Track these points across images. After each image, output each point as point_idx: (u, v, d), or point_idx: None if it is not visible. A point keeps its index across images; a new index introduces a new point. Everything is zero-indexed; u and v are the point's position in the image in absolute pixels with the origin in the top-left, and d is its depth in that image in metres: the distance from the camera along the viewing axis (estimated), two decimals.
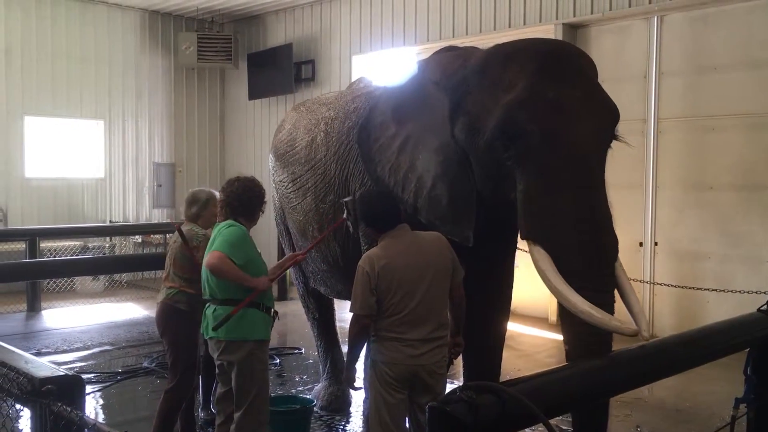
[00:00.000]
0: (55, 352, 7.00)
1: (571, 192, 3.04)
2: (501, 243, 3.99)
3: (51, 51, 11.00)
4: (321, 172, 4.58)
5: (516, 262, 7.73)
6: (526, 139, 3.09)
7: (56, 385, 2.18)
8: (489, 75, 3.34)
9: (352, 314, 3.44)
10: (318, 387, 5.55)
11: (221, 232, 3.71)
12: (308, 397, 5.10)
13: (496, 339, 4.47)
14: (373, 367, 3.47)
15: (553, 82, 3.14)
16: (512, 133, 3.12)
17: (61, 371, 2.34)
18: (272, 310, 3.80)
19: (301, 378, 6.24)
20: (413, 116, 3.75)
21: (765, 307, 3.67)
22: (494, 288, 4.29)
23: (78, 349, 7.16)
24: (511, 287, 4.45)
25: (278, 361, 6.70)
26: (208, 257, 3.62)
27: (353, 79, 9.86)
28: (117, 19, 11.68)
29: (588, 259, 3.00)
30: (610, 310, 2.99)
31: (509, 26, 8.79)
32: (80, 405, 2.25)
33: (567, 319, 3.09)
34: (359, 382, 4.02)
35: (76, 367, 6.43)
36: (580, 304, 2.87)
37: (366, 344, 3.56)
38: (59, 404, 2.12)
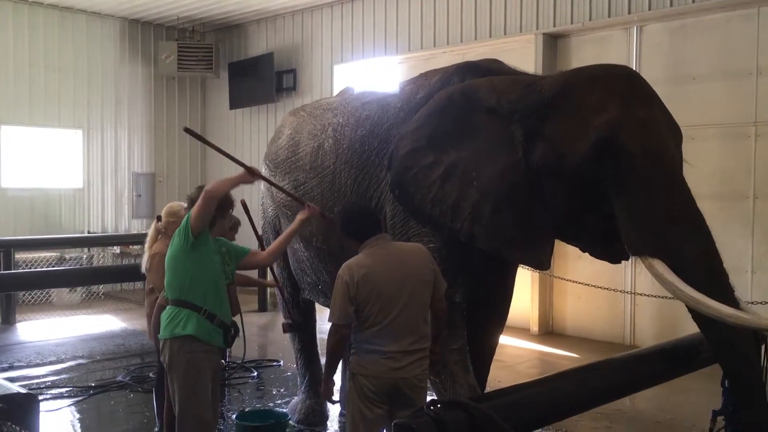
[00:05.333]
0: (28, 366, 6.84)
1: (680, 205, 3.17)
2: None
3: (29, 60, 10.87)
4: (329, 180, 4.45)
5: None
6: (628, 157, 3.18)
7: (7, 404, 2.10)
8: (572, 100, 3.40)
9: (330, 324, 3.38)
10: (295, 400, 5.45)
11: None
12: (284, 411, 5.01)
13: (487, 351, 4.48)
14: (353, 380, 3.40)
15: (639, 104, 3.32)
16: (612, 151, 3.20)
17: (14, 389, 2.26)
18: (218, 318, 3.64)
19: (279, 391, 6.14)
20: (457, 143, 3.66)
21: None
22: (492, 300, 4.31)
23: (51, 363, 7.01)
24: (509, 301, 4.48)
25: (256, 374, 6.59)
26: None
27: (335, 89, 9.84)
28: (96, 28, 11.57)
29: (713, 268, 3.15)
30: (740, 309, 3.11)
31: (490, 36, 8.79)
32: (32, 424, 2.17)
33: (703, 325, 3.18)
34: (337, 395, 3.93)
35: (48, 381, 6.29)
36: (724, 308, 2.95)
37: (345, 356, 3.48)
38: (9, 424, 2.04)
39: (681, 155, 3.40)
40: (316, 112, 4.94)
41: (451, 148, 3.66)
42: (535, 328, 8.49)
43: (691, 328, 4.56)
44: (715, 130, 7.26)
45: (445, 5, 9.28)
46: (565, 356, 7.54)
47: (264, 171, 5.27)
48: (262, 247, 4.70)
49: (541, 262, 3.48)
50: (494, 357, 7.40)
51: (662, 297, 7.14)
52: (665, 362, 3.24)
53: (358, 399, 3.36)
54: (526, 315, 8.51)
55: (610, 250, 3.52)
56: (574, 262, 8.00)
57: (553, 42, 8.39)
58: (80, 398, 5.82)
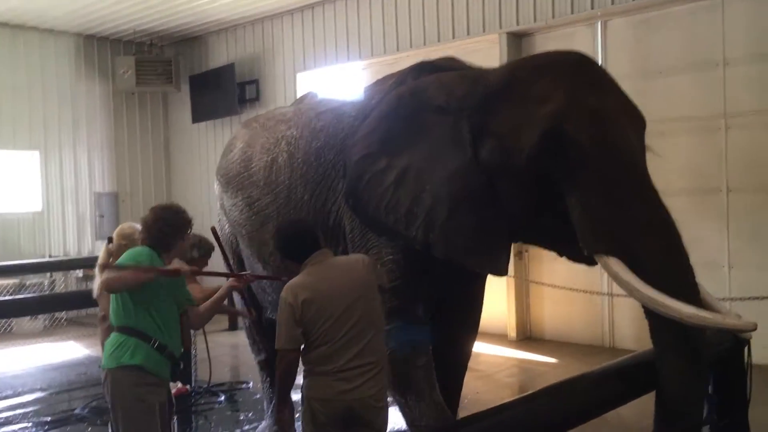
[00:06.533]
0: None
1: (638, 198, 2.92)
2: None
3: None
4: (285, 196, 4.23)
5: None
6: (577, 149, 2.94)
7: None
8: (517, 91, 3.17)
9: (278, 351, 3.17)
10: (263, 425, 5.19)
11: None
12: None
13: (460, 362, 4.31)
14: (306, 404, 3.20)
15: (589, 91, 3.05)
16: (559, 143, 2.95)
17: None
18: (168, 350, 3.38)
19: (246, 416, 5.85)
20: (409, 146, 3.43)
21: None
22: (462, 309, 4.12)
23: (6, 397, 6.63)
24: (480, 308, 4.30)
25: (222, 398, 6.30)
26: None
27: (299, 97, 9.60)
28: (50, 45, 11.20)
29: (674, 264, 2.89)
30: (705, 308, 2.85)
31: (453, 38, 8.61)
32: None
33: (656, 327, 2.92)
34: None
35: (0, 417, 5.94)
36: (685, 308, 2.70)
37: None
38: None
39: (642, 145, 3.15)
40: (269, 124, 4.70)
41: (403, 151, 3.43)
42: (512, 333, 8.30)
43: None
44: (685, 123, 7.13)
45: (406, 8, 9.09)
46: (544, 362, 7.35)
47: (218, 184, 5.05)
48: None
49: (498, 268, 3.26)
50: (472, 366, 7.18)
51: None
52: (644, 374, 3.03)
53: (311, 424, 3.16)
54: (502, 320, 8.32)
55: (574, 251, 3.29)
56: (549, 265, 7.82)
57: (518, 41, 8.23)
58: None
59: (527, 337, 8.36)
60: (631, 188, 2.93)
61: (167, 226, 3.46)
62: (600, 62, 7.57)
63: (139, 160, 12.20)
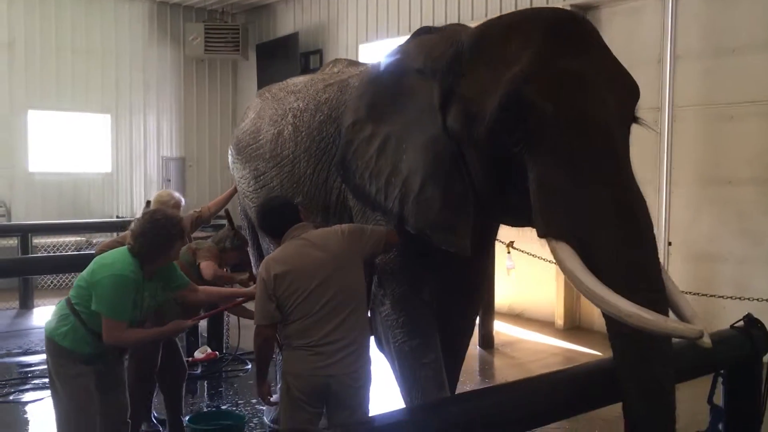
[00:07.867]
0: (24, 354, 6.77)
1: (599, 176, 2.53)
2: (476, 246, 3.50)
3: (56, 43, 10.86)
4: (288, 171, 4.13)
5: (512, 263, 7.14)
6: (538, 117, 2.58)
7: None
8: (486, 51, 2.83)
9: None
10: (275, 397, 5.15)
11: (98, 265, 3.34)
12: (243, 413, 4.71)
13: (459, 344, 4.02)
14: (282, 379, 3.21)
15: (564, 52, 2.65)
16: (520, 110, 2.60)
17: None
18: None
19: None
20: (392, 112, 3.23)
21: (741, 322, 3.10)
22: (464, 292, 3.85)
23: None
24: (483, 291, 4.14)
25: (250, 366, 6.33)
26: (104, 330, 3.21)
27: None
28: (124, 11, 11.50)
29: (632, 255, 2.48)
30: (663, 310, 2.46)
31: (516, 9, 8.21)
32: None
33: (612, 330, 2.58)
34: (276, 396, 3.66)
35: (37, 369, 6.17)
36: (625, 305, 2.33)
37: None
38: None
39: (626, 117, 2.72)
40: (280, 95, 4.59)
41: (387, 117, 3.22)
42: (560, 321, 7.95)
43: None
44: (758, 107, 6.53)
45: None
46: (587, 354, 6.99)
47: (230, 153, 5.03)
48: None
49: (463, 246, 2.96)
50: (509, 353, 6.95)
51: (694, 293, 6.52)
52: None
53: (287, 399, 3.14)
54: (550, 308, 8.00)
55: None
56: None
57: (582, 14, 7.76)
58: None
59: (575, 326, 7.99)
60: (595, 165, 2.54)
61: (149, 243, 3.35)
62: (669, 39, 7.06)
63: (206, 126, 12.42)
